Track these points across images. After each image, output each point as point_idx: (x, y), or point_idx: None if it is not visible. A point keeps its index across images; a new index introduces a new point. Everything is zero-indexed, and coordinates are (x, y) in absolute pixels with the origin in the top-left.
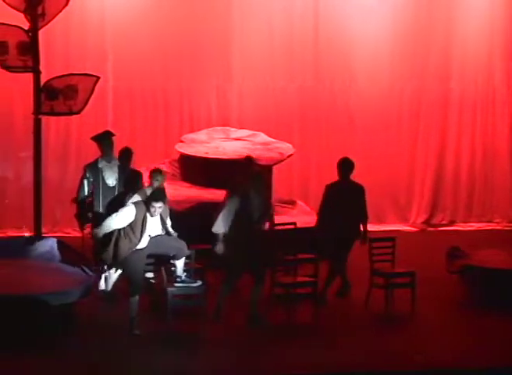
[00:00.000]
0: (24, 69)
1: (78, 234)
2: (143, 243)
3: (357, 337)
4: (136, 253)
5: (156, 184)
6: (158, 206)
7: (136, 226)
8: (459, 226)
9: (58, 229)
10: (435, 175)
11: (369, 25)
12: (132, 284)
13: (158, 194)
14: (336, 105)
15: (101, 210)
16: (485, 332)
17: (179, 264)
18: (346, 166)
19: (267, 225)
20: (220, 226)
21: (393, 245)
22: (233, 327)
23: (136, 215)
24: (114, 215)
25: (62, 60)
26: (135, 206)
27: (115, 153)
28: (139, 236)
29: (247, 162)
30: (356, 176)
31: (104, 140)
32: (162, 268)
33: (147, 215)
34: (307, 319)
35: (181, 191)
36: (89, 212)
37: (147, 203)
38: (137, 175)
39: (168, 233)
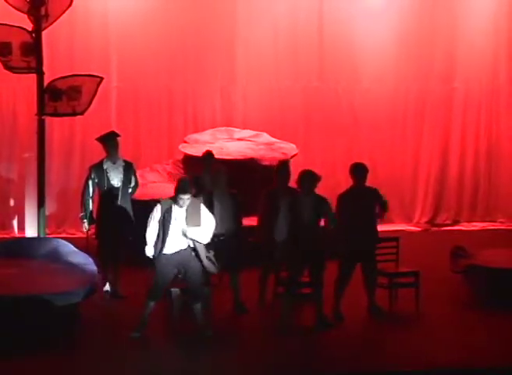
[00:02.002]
0: (28, 70)
1: (82, 235)
2: (173, 244)
3: (361, 337)
4: (165, 257)
5: None
6: (186, 198)
7: (165, 222)
8: (463, 226)
9: (62, 230)
10: (440, 175)
11: (374, 26)
12: (151, 288)
13: (186, 186)
14: (340, 105)
15: (105, 211)
16: (489, 332)
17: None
18: (360, 171)
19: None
20: (282, 233)
21: (397, 245)
22: (235, 327)
23: (162, 211)
24: (148, 224)
25: (65, 61)
26: (161, 203)
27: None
28: (167, 231)
29: (282, 166)
30: None
31: (109, 141)
32: None
33: (174, 209)
34: (309, 319)
35: None
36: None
37: (175, 196)
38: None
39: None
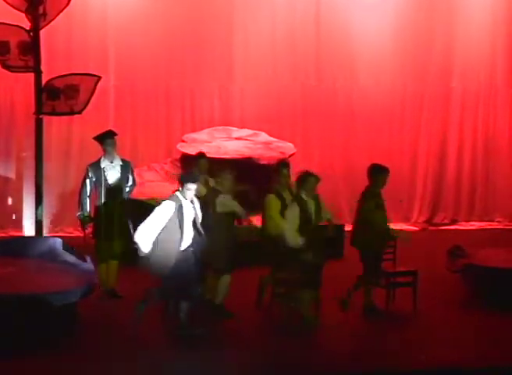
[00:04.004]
0: (25, 68)
1: (80, 234)
2: (186, 240)
3: (359, 336)
4: (181, 255)
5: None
6: (194, 188)
7: (180, 219)
8: (460, 226)
9: (59, 229)
10: (437, 174)
11: (371, 22)
12: (162, 287)
13: (195, 175)
14: (338, 103)
15: (103, 210)
16: (486, 331)
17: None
18: (382, 172)
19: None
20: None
21: (395, 244)
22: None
23: (175, 208)
24: (147, 220)
25: (63, 60)
26: (171, 199)
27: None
28: (182, 231)
29: (282, 165)
30: (358, 175)
31: (106, 139)
32: None
33: (184, 204)
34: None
35: None
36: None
37: (181, 187)
38: None
39: (199, 232)
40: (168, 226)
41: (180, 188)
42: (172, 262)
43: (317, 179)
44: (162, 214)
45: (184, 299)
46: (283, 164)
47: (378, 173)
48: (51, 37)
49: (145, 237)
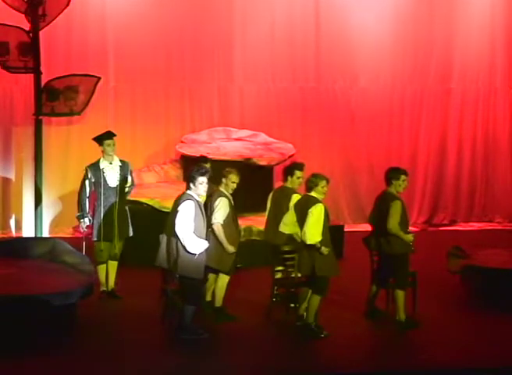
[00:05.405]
0: (25, 69)
1: (79, 235)
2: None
3: (358, 337)
4: (199, 257)
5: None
6: (205, 181)
7: (198, 220)
8: (460, 226)
9: (59, 229)
10: (437, 175)
11: (370, 23)
12: (188, 291)
13: (205, 168)
14: (337, 105)
15: (102, 211)
16: (486, 332)
17: None
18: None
19: None
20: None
21: None
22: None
23: (195, 207)
24: (181, 222)
25: (63, 61)
26: (188, 198)
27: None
28: (204, 229)
29: (297, 167)
30: (357, 176)
31: (105, 140)
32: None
33: (198, 201)
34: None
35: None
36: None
37: (193, 183)
38: None
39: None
40: (194, 227)
41: (192, 186)
42: (202, 263)
43: (328, 181)
44: (190, 214)
45: (193, 303)
46: (297, 165)
47: (397, 175)
48: (50, 38)
49: (192, 237)
